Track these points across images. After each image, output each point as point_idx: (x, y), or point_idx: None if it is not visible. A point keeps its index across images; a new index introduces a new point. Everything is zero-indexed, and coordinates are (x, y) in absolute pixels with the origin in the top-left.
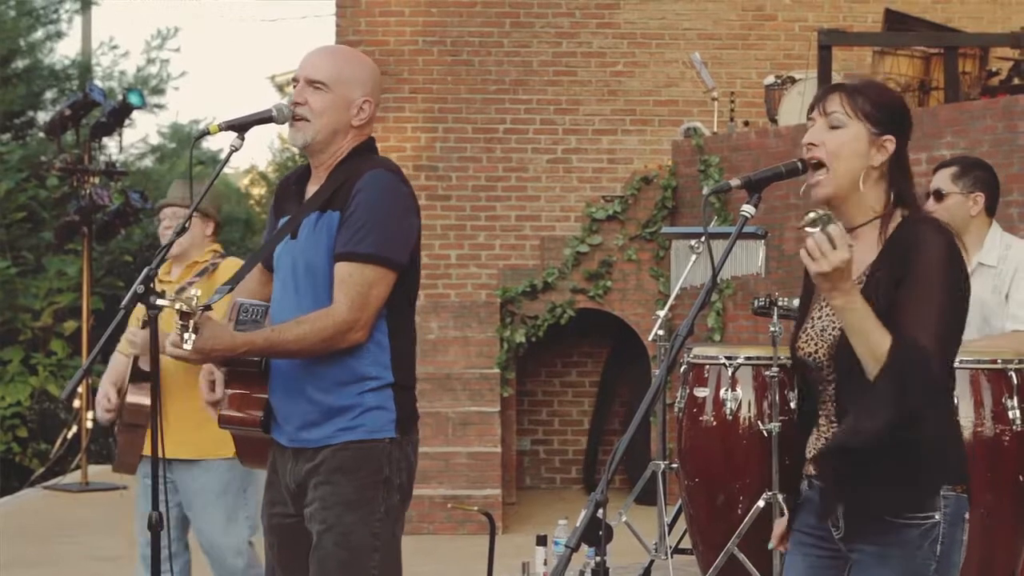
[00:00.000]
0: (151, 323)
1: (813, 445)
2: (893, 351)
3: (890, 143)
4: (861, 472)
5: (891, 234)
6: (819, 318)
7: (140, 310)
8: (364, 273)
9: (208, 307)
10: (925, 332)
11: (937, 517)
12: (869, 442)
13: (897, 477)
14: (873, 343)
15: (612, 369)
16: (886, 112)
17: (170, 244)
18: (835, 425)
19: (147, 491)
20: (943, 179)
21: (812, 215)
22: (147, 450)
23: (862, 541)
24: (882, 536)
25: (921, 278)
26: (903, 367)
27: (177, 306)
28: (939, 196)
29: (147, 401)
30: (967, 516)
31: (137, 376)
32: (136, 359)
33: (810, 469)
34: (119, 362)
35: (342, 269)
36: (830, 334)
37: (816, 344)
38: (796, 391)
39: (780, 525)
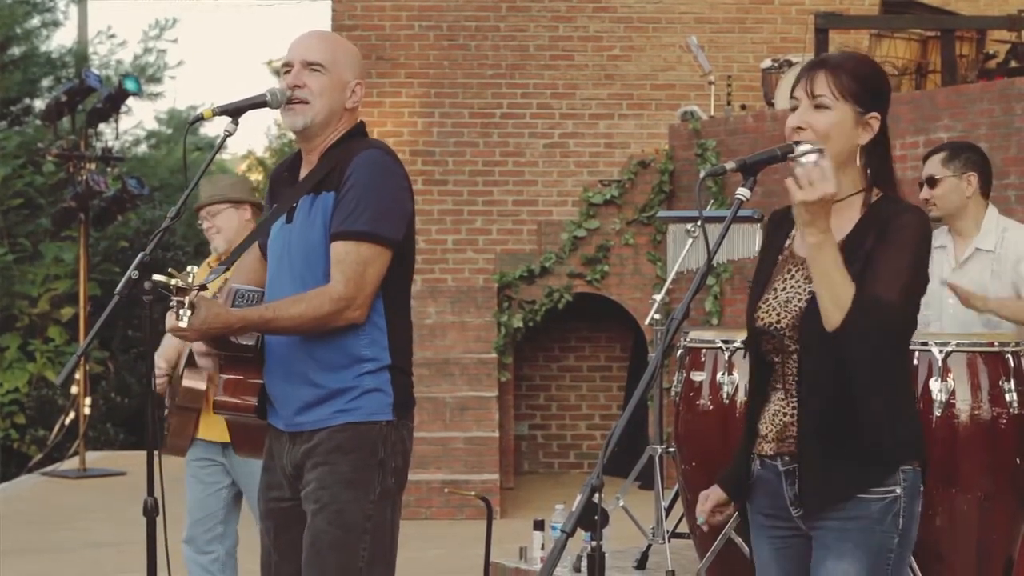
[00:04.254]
0: (148, 308)
1: (771, 422)
2: (857, 300)
3: (875, 121)
4: (823, 451)
5: (869, 208)
6: (783, 289)
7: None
8: (360, 251)
9: (204, 286)
10: (891, 286)
11: (898, 491)
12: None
13: (857, 454)
14: (838, 290)
15: (638, 356)
16: (870, 89)
17: (163, 229)
18: (794, 399)
19: (196, 472)
20: (934, 165)
21: (805, 146)
22: (200, 433)
23: (823, 518)
24: (843, 512)
25: (894, 240)
26: (865, 316)
27: (173, 283)
28: (932, 182)
29: (204, 387)
30: (922, 489)
31: (194, 361)
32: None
33: (764, 448)
34: (169, 341)
35: (338, 248)
36: (795, 305)
37: (779, 314)
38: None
39: (711, 500)
